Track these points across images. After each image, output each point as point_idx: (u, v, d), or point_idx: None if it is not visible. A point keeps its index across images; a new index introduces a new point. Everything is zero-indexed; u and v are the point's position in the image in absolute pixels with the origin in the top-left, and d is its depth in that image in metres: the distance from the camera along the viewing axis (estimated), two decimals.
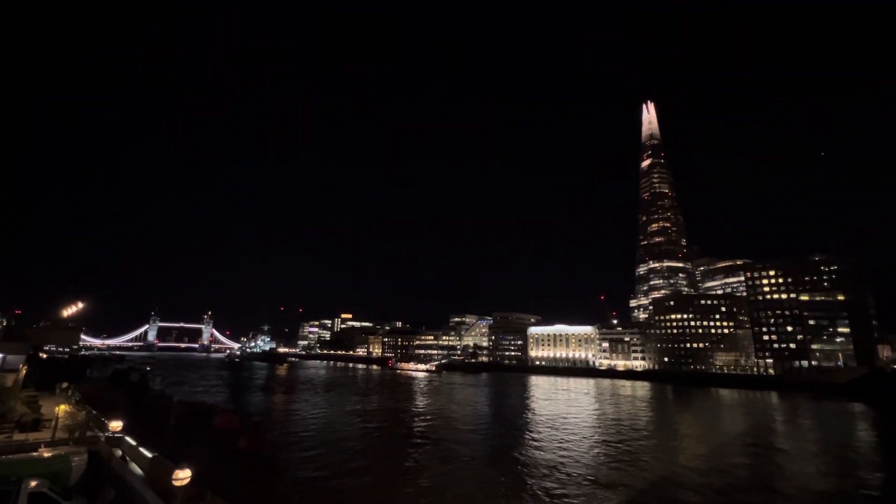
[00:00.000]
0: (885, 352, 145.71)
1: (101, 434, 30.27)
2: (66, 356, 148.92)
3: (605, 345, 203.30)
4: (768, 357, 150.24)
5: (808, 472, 41.35)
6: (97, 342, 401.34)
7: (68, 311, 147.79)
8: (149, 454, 24.59)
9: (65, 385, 58.34)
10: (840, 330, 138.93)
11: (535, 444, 51.18)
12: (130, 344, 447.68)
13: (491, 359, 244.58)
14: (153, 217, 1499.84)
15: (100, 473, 25.93)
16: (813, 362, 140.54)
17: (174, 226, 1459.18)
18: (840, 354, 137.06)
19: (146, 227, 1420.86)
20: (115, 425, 29.48)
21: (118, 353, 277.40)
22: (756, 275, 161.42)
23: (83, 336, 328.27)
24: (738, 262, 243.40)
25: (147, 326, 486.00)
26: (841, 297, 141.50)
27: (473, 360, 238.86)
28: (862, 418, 79.65)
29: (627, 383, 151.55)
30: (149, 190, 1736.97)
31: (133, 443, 27.51)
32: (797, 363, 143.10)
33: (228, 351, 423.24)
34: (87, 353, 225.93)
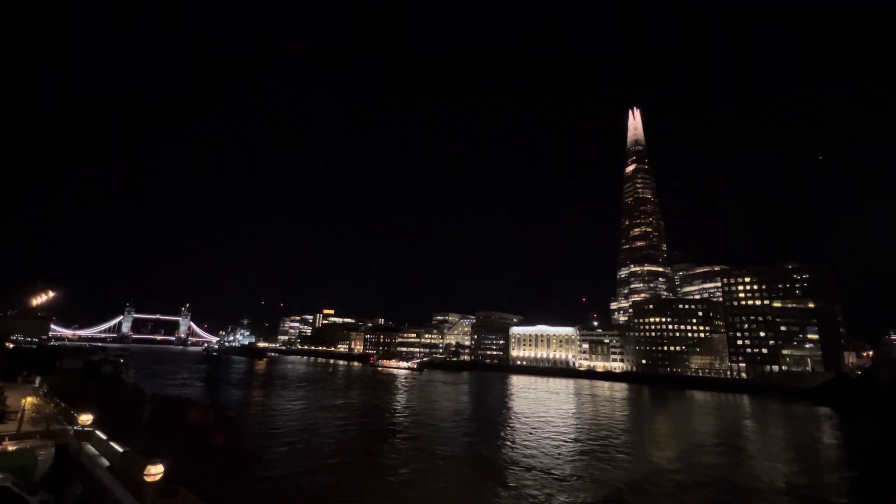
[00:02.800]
0: (850, 358, 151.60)
1: (70, 427, 29.48)
2: (35, 346, 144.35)
3: (586, 346, 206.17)
4: (741, 361, 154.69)
5: (772, 473, 42.69)
6: (68, 332, 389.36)
7: (37, 300, 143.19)
8: (120, 448, 24.02)
9: (25, 373, 56.67)
10: (810, 336, 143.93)
11: (507, 441, 51.96)
12: (104, 335, 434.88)
13: (473, 358, 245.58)
14: (129, 206, 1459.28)
15: (67, 468, 25.24)
16: (783, 367, 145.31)
17: (152, 215, 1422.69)
18: (809, 360, 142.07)
19: (122, 216, 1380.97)
20: (85, 419, 28.77)
21: (98, 343, 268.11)
22: (732, 281, 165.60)
23: (53, 326, 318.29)
24: (716, 268, 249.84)
25: (121, 318, 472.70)
26: (811, 305, 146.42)
27: (455, 359, 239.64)
28: (827, 422, 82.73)
29: (605, 384, 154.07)
30: (126, 179, 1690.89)
31: (104, 437, 26.82)
32: (768, 367, 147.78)
33: (206, 344, 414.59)
34: (56, 343, 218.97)
